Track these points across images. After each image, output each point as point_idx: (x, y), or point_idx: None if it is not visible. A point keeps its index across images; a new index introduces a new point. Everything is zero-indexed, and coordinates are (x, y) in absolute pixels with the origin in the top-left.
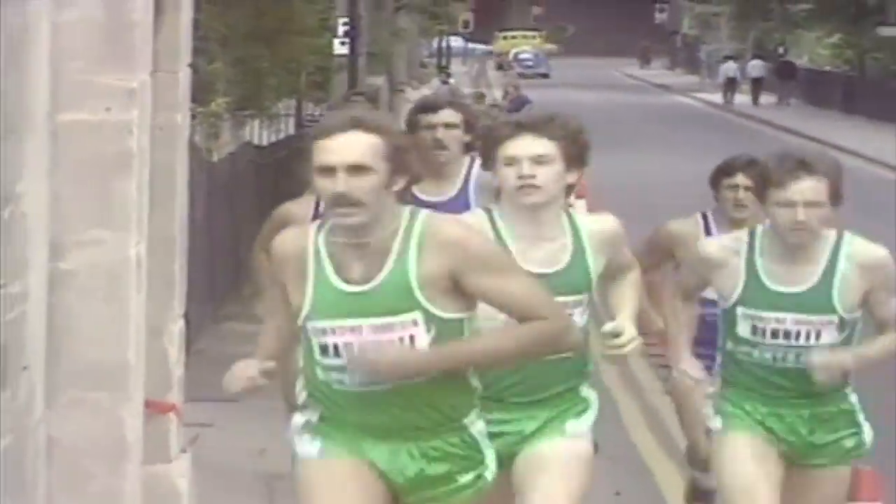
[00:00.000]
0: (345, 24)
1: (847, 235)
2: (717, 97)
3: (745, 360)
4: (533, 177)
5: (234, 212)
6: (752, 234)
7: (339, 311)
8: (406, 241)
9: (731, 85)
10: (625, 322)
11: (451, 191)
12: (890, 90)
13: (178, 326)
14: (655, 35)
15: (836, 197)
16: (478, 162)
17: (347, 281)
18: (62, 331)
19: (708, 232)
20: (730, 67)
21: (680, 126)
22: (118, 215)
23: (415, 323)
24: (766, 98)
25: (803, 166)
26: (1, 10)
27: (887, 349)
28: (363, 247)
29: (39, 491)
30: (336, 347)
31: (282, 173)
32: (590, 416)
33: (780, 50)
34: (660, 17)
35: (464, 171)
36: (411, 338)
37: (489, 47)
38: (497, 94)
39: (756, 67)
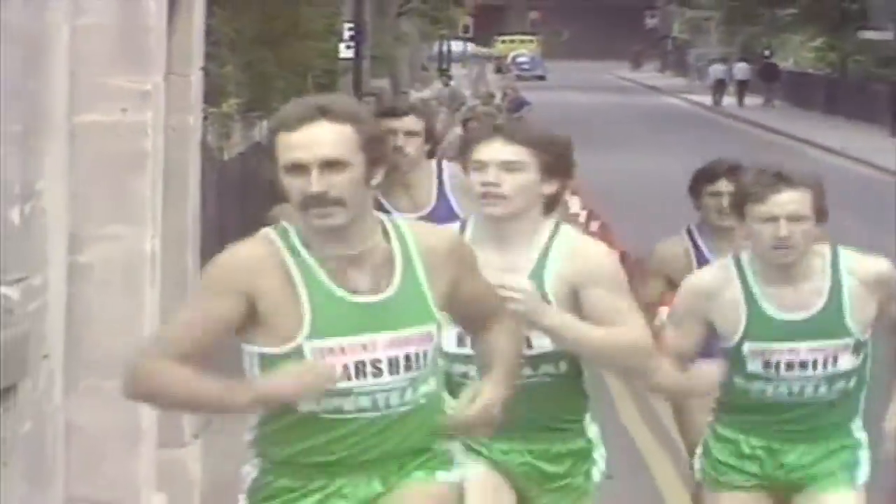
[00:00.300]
0: (350, 28)
1: (841, 249)
2: (705, 98)
3: (758, 398)
4: (497, 185)
5: (245, 209)
6: (737, 262)
7: (349, 326)
8: (405, 250)
9: (720, 87)
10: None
11: (429, 200)
12: (871, 92)
13: None
14: (647, 39)
15: (820, 211)
16: (447, 165)
17: (353, 292)
18: (80, 321)
19: (695, 245)
20: (718, 69)
21: (670, 126)
22: (133, 212)
23: (430, 336)
24: (752, 100)
25: (782, 178)
26: (21, 16)
27: None
28: (357, 257)
29: (58, 475)
30: (346, 368)
31: None
32: (602, 455)
33: (766, 53)
34: (651, 22)
35: (434, 179)
36: (424, 353)
37: (474, 49)
38: (497, 95)
39: (741, 70)
